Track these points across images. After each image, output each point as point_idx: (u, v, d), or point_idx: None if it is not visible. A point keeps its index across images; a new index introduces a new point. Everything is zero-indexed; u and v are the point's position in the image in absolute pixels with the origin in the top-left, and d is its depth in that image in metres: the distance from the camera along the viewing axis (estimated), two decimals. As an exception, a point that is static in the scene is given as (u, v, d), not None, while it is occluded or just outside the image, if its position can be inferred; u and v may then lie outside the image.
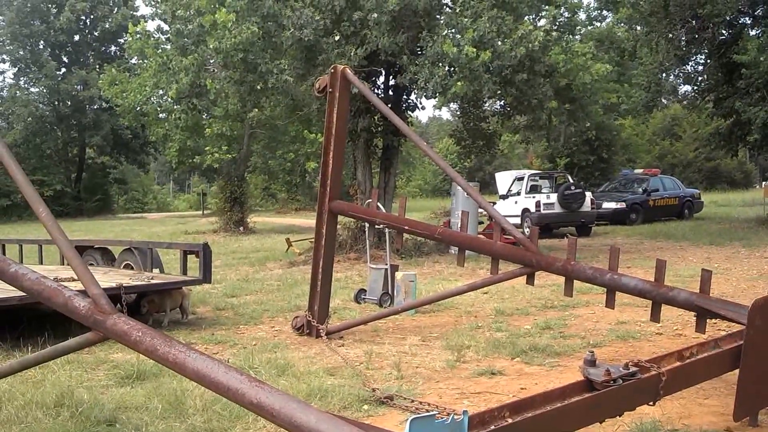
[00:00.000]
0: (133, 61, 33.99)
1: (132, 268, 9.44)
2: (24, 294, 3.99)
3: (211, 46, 14.19)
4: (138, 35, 23.29)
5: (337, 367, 6.12)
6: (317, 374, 5.81)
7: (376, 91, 15.89)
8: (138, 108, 27.76)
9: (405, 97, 16.58)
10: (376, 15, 13.11)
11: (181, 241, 19.31)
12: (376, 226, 7.82)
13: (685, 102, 26.89)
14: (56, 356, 4.03)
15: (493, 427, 2.83)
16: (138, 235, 24.10)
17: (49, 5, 49.83)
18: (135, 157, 54.83)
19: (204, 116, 26.64)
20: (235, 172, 28.27)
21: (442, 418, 2.35)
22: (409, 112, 17.18)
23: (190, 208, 63.61)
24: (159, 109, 27.96)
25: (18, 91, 49.60)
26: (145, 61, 24.91)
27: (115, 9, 51.76)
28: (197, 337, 7.54)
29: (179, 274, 8.86)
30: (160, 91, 24.57)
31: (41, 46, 51.73)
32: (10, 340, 7.01)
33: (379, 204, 8.27)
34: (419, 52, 14.25)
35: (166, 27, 23.31)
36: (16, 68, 51.06)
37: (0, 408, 4.76)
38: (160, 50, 22.04)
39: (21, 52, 49.82)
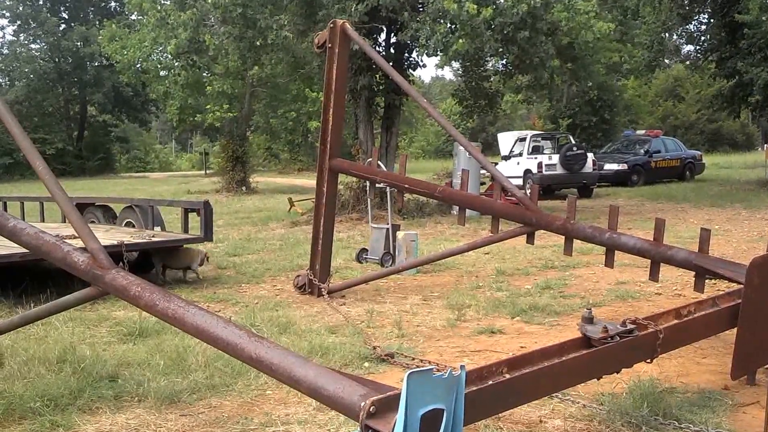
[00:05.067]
0: (133, 17, 33.62)
1: (134, 226, 9.44)
2: (26, 251, 3.98)
3: (209, 1, 13.99)
4: (137, -11, 22.98)
5: (339, 325, 6.16)
6: (318, 332, 5.84)
7: (377, 48, 15.72)
8: (138, 65, 27.51)
9: (406, 55, 16.41)
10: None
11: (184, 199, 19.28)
12: (377, 185, 7.78)
13: (687, 62, 26.63)
14: (57, 311, 4.04)
15: (490, 383, 2.82)
16: (141, 195, 24.08)
17: (47, -41, 49.26)
18: (136, 115, 54.56)
19: (204, 74, 26.44)
20: (236, 131, 28.16)
21: (439, 372, 2.35)
22: (411, 71, 17.03)
23: (193, 168, 63.48)
24: (159, 66, 27.74)
25: (20, 48, 49.09)
26: (144, 16, 24.64)
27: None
28: (199, 296, 7.57)
29: (181, 232, 8.87)
30: (160, 48, 24.36)
31: (41, 2, 51.06)
32: (13, 297, 7.04)
33: (379, 162, 8.22)
34: (420, 9, 14.06)
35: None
36: (16, 24, 50.46)
37: (3, 363, 4.78)
38: (158, 5, 21.75)
39: (20, 8, 49.16)
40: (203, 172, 47.84)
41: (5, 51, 50.52)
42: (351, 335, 5.74)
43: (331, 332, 5.90)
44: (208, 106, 27.08)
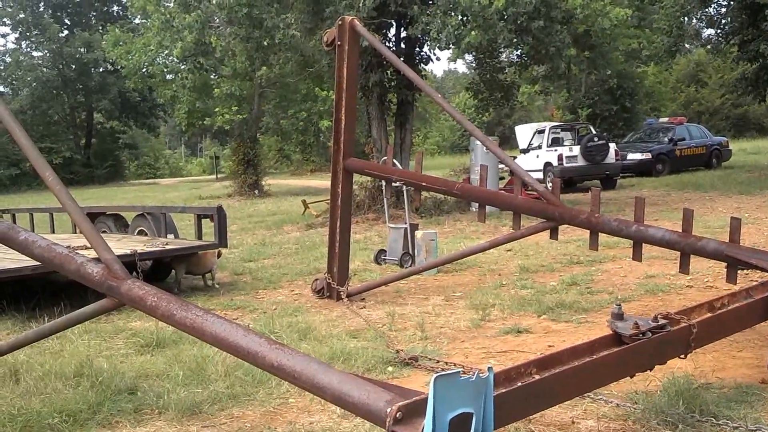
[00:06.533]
0: (137, 20, 33.66)
1: (146, 234, 9.37)
2: (37, 263, 3.89)
3: (214, 2, 13.92)
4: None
5: (360, 329, 6.06)
6: (339, 337, 5.75)
7: (387, 43, 15.57)
8: (144, 69, 27.53)
9: (417, 49, 16.27)
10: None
11: (196, 205, 19.25)
12: (393, 184, 7.65)
13: (709, 46, 26.21)
14: (72, 325, 3.96)
15: (519, 384, 2.77)
16: (152, 202, 24.12)
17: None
18: (144, 120, 54.27)
19: (212, 76, 26.41)
20: (247, 133, 28.09)
21: (467, 375, 2.27)
22: (423, 65, 16.87)
23: (204, 173, 63.61)
24: (165, 69, 27.75)
25: (22, 56, 48.93)
26: (148, 19, 24.66)
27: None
28: (216, 303, 7.49)
29: (194, 239, 8.77)
30: (165, 51, 24.35)
31: (42, 8, 50.89)
32: (26, 311, 6.98)
33: (395, 161, 8.09)
34: (430, 2, 13.92)
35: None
36: (18, 32, 50.18)
37: (19, 380, 4.71)
38: (162, 8, 21.74)
39: (22, 15, 48.92)
40: (214, 176, 47.90)
41: (8, 59, 49.97)
42: (373, 339, 5.64)
43: (353, 337, 5.80)
44: (216, 109, 27.03)
